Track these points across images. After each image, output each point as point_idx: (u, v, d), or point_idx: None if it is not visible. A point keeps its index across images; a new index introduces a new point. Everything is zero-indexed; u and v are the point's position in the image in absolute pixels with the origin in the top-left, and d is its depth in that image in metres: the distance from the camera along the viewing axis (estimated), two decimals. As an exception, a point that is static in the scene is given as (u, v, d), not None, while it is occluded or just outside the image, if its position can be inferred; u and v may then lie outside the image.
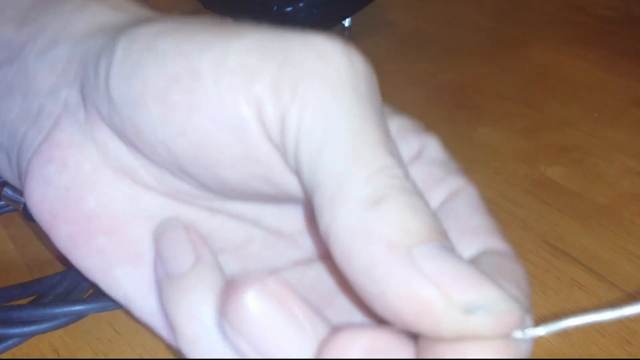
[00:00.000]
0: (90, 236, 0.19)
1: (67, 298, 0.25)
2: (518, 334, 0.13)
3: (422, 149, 0.20)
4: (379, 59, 0.50)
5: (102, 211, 0.19)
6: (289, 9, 0.47)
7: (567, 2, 0.59)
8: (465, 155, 0.38)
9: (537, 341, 0.26)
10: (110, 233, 0.19)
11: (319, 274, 0.20)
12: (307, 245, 0.21)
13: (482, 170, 0.36)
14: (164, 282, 0.18)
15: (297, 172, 0.16)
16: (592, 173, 0.36)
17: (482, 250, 0.18)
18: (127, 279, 0.20)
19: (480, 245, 0.18)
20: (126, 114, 0.18)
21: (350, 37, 0.53)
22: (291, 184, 0.17)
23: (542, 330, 0.13)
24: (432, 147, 0.20)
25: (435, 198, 0.19)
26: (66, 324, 0.25)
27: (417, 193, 0.15)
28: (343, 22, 0.52)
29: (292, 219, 0.21)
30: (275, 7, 0.47)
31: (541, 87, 0.46)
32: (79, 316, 0.25)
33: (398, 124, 0.20)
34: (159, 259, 0.18)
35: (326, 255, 0.20)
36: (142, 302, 0.20)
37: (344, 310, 0.19)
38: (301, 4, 0.47)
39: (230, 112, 0.16)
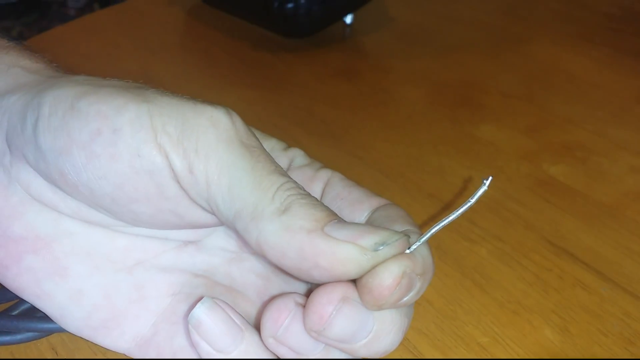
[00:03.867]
0: (19, 257, 0.23)
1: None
2: (407, 250, 0.20)
3: (292, 160, 0.26)
4: (381, 56, 0.50)
5: (29, 234, 0.22)
6: (290, 5, 0.46)
7: (570, -1, 0.59)
8: (468, 154, 0.38)
9: (539, 341, 0.26)
10: (37, 252, 0.23)
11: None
12: (213, 244, 0.25)
13: (484, 169, 0.36)
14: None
15: (212, 208, 0.20)
16: (595, 172, 0.36)
17: (371, 210, 0.24)
18: (57, 289, 0.23)
19: (367, 207, 0.24)
20: (52, 160, 0.21)
21: (352, 33, 0.52)
22: (195, 215, 0.21)
23: (420, 241, 0.20)
24: (299, 156, 0.26)
25: (316, 190, 0.25)
26: (38, 337, 0.25)
27: (308, 194, 0.20)
28: (345, 18, 0.52)
29: (195, 231, 0.24)
30: (276, 4, 0.46)
31: (544, 84, 0.45)
32: (49, 332, 0.25)
33: (268, 146, 0.25)
34: (204, 338, 0.21)
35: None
36: (74, 308, 0.23)
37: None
38: (302, 1, 0.46)
39: (146, 159, 0.20)
